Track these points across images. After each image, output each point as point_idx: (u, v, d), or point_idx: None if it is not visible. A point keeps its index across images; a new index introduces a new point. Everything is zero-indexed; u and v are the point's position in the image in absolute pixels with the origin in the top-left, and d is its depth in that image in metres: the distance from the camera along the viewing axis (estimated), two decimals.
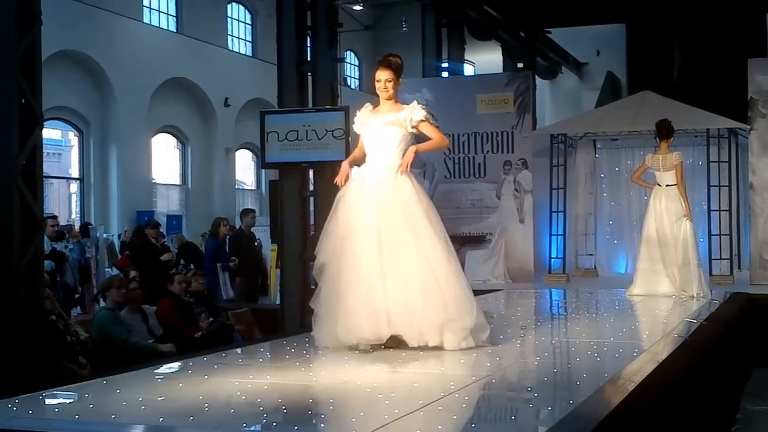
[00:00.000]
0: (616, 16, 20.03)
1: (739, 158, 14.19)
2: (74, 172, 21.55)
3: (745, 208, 13.88)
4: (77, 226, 17.82)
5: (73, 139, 21.46)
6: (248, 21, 26.30)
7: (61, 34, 17.79)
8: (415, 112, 6.07)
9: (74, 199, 21.65)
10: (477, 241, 14.21)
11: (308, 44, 11.81)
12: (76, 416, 4.16)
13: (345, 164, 6.29)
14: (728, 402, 8.30)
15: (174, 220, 21.66)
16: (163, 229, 16.45)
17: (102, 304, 10.09)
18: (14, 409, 4.27)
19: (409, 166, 5.98)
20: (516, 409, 4.37)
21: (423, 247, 5.80)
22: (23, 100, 7.51)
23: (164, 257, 13.37)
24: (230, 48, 25.24)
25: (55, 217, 14.51)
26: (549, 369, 5.49)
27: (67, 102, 19.73)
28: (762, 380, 9.81)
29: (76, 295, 14.37)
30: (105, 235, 18.19)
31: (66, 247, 14.09)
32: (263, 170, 23.24)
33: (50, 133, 20.19)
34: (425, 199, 6.06)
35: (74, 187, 21.64)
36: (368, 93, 30.55)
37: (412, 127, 6.06)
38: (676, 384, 5.60)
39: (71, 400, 4.70)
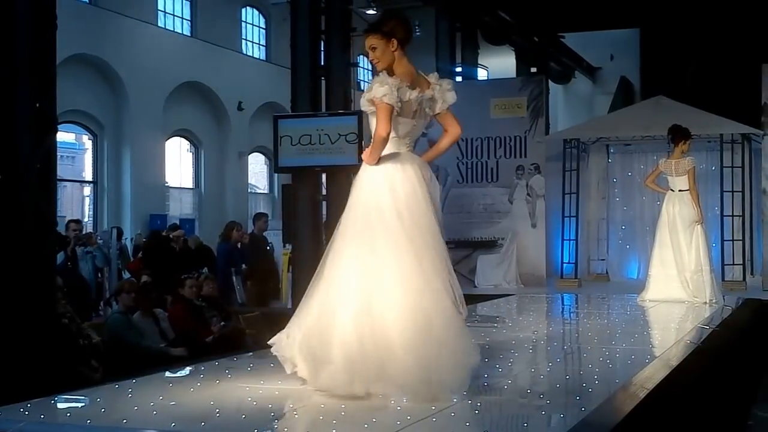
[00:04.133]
0: (629, 21, 20.02)
1: (753, 164, 14.16)
2: (88, 175, 21.62)
3: (758, 213, 13.84)
4: (98, 231, 17.92)
5: (87, 142, 21.53)
6: (262, 25, 26.34)
7: (75, 38, 17.87)
8: (446, 94, 4.95)
9: (87, 202, 21.73)
10: (489, 245, 14.20)
11: (322, 48, 11.84)
12: (88, 421, 4.18)
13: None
14: (739, 408, 8.25)
15: (187, 224, 21.71)
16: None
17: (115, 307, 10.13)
18: (26, 413, 4.29)
19: None
20: (528, 416, 4.37)
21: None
22: (38, 104, 7.53)
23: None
24: (244, 52, 25.28)
25: (78, 222, 14.59)
26: (561, 375, 5.49)
27: (81, 105, 19.80)
28: None
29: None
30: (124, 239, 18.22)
31: (87, 252, 14.11)
32: (276, 174, 23.30)
33: (64, 136, 20.27)
34: None
35: (87, 190, 21.71)
36: None
37: (436, 114, 4.95)
38: (688, 390, 5.58)
39: (83, 405, 4.72)
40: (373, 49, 4.86)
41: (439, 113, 4.96)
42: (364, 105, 4.83)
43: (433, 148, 5.16)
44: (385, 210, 4.72)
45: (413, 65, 4.95)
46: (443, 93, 4.92)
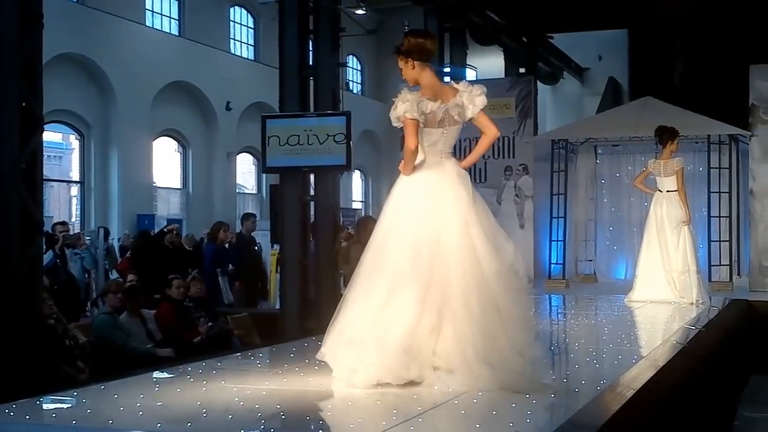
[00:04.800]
0: (618, 22, 20.05)
1: (740, 164, 14.20)
2: (75, 175, 21.57)
3: (745, 214, 13.88)
4: (85, 232, 17.87)
5: (74, 142, 21.48)
6: (251, 25, 26.33)
7: (63, 37, 17.82)
8: (476, 99, 5.16)
9: (74, 202, 21.67)
10: None
11: (310, 48, 11.81)
12: (73, 421, 4.17)
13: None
14: (726, 409, 8.29)
15: (174, 224, 21.69)
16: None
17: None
18: (11, 414, 4.27)
19: None
20: (515, 416, 4.36)
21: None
22: (24, 104, 7.51)
23: None
24: (232, 52, 25.27)
25: (65, 223, 14.53)
26: (547, 375, 5.48)
27: (68, 105, 19.75)
28: (760, 387, 9.81)
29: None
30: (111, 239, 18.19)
31: (75, 254, 14.06)
32: (264, 174, 23.27)
33: (51, 135, 20.20)
34: None
35: (75, 190, 21.66)
36: (370, 98, 30.64)
37: (469, 119, 5.20)
38: (675, 391, 5.60)
39: (69, 405, 4.71)
40: (401, 69, 5.20)
41: (472, 118, 5.18)
42: (394, 122, 5.14)
43: (473, 152, 5.44)
44: (403, 217, 5.05)
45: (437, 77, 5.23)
46: (472, 98, 5.15)
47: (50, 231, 13.06)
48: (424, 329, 4.81)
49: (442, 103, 5.10)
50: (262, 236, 15.76)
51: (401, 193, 5.14)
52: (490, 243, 5.02)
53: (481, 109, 5.17)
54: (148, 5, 22.47)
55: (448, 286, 4.89)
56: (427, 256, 4.91)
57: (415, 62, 5.14)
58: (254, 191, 26.85)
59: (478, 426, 4.17)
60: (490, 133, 5.25)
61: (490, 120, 5.25)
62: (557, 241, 14.24)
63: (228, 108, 23.95)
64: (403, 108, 5.01)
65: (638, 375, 5.32)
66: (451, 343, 4.82)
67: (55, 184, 21.32)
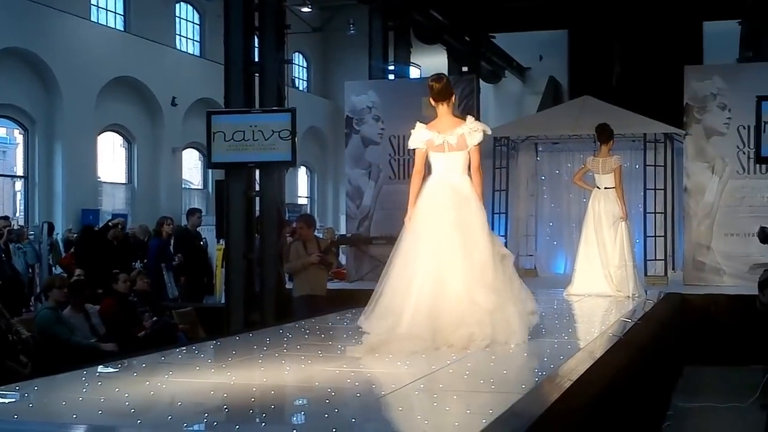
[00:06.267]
0: (558, 23, 20.33)
1: (675, 162, 14.48)
2: (19, 170, 21.28)
3: (679, 210, 14.15)
4: (29, 227, 17.67)
5: (19, 136, 21.19)
6: (196, 21, 26.19)
7: (7, 32, 17.62)
8: (472, 134, 6.21)
9: (19, 197, 21.40)
10: None
11: (256, 45, 11.85)
12: (15, 416, 4.12)
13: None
14: (660, 399, 8.49)
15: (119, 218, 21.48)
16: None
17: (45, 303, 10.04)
18: None
19: None
20: (454, 407, 4.43)
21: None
22: None
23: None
24: (178, 47, 25.10)
25: (6, 218, 14.38)
26: (487, 366, 5.58)
27: (12, 99, 19.51)
28: (693, 378, 10.07)
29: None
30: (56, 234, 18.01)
31: (18, 248, 13.93)
32: (210, 170, 23.17)
33: None
34: None
35: (19, 185, 21.38)
36: (316, 94, 30.64)
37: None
38: (611, 381, 5.72)
39: (11, 400, 4.61)
40: None
41: (470, 149, 6.17)
42: None
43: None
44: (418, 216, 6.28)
45: (444, 108, 6.32)
46: (471, 134, 6.11)
47: None
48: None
49: (439, 133, 6.13)
50: (207, 231, 15.73)
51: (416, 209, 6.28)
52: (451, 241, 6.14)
53: (477, 145, 6.12)
54: (93, 0, 22.24)
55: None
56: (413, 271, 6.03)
57: (431, 99, 6.24)
58: (200, 186, 26.72)
59: (419, 417, 4.20)
60: (473, 169, 6.21)
61: (478, 161, 6.22)
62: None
63: (174, 104, 23.80)
64: (411, 138, 6.32)
65: (576, 366, 5.36)
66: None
67: None
